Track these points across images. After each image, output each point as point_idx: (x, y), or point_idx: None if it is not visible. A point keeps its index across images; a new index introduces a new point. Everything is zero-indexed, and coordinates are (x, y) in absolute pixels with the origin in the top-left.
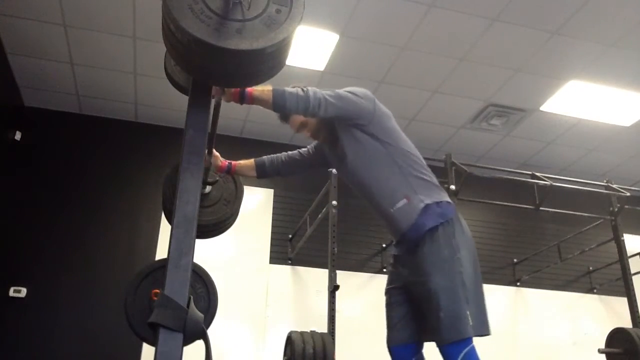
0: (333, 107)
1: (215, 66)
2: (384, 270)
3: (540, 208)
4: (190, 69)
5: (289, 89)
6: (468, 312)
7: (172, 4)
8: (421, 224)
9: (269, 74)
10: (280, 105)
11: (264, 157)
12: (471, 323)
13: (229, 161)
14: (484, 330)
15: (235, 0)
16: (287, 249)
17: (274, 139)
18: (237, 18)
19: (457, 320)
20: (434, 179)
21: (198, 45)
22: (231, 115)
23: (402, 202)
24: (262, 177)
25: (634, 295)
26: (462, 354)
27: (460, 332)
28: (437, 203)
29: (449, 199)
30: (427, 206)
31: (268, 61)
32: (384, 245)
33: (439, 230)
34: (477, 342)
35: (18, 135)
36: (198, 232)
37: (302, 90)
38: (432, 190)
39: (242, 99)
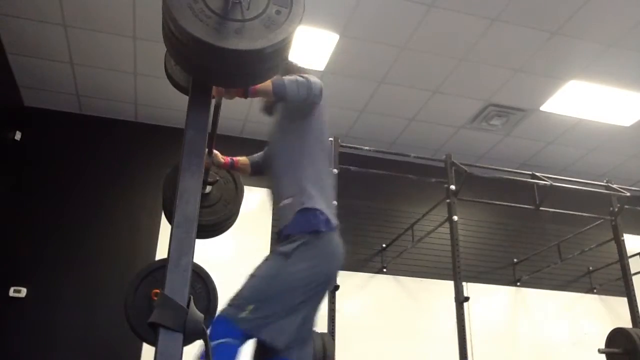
0: (319, 96)
1: (214, 66)
2: (384, 270)
3: (540, 208)
4: (190, 69)
5: (288, 77)
6: (251, 307)
7: (171, 3)
8: (292, 225)
9: (268, 74)
10: (281, 94)
11: (255, 155)
12: (246, 316)
13: (231, 157)
14: (286, 352)
15: (235, 0)
16: None
17: None
18: (236, 18)
19: (236, 302)
20: (330, 192)
21: (197, 44)
22: (231, 115)
23: (288, 201)
24: (256, 174)
25: (634, 295)
26: (219, 340)
27: (229, 314)
28: (315, 212)
29: (330, 216)
30: (304, 210)
31: (267, 61)
32: (384, 245)
33: (304, 238)
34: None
35: (18, 135)
36: (198, 232)
37: (301, 77)
38: (318, 200)
39: (246, 92)
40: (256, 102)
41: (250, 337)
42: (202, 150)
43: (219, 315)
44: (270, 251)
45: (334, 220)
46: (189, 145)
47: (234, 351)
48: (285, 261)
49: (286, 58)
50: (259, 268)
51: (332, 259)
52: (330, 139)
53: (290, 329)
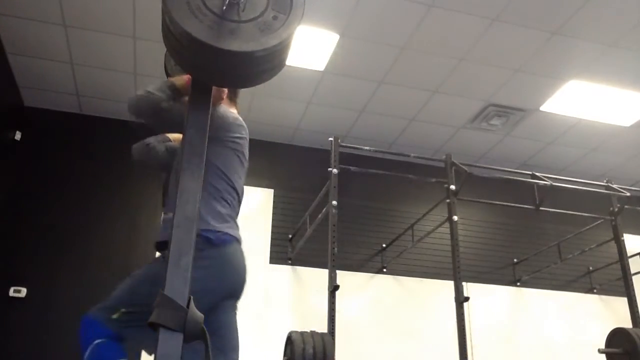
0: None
1: (209, 65)
2: (384, 270)
3: (540, 208)
4: (185, 67)
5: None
6: (122, 310)
7: None
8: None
9: (264, 77)
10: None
11: None
12: (114, 317)
13: None
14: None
15: (233, 0)
16: (287, 249)
17: (275, 139)
18: (232, 19)
19: (108, 305)
20: (229, 207)
21: (191, 42)
22: None
23: (167, 216)
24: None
25: (634, 295)
26: (92, 342)
27: (98, 311)
28: (208, 232)
29: (234, 234)
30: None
31: (261, 64)
32: (384, 245)
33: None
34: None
35: (18, 135)
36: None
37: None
38: (215, 219)
39: None
40: (256, 102)
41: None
42: (202, 150)
43: (89, 320)
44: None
45: (231, 232)
46: (189, 145)
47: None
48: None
49: (283, 62)
50: (140, 270)
51: (219, 273)
52: (330, 138)
53: None
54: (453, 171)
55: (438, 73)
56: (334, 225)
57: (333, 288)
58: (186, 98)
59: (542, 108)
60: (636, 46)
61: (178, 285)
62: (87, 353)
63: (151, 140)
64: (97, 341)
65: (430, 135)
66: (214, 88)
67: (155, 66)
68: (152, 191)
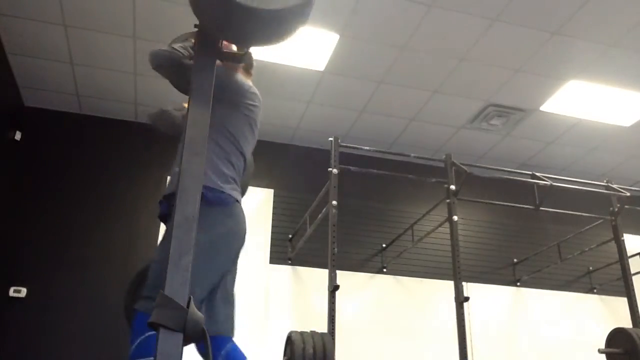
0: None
1: (235, 23)
2: (384, 270)
3: (540, 208)
4: (207, 24)
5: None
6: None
7: None
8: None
9: (285, 35)
10: None
11: None
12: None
13: None
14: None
15: None
16: (287, 249)
17: (275, 139)
18: None
19: (147, 292)
20: (233, 170)
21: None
22: None
23: (176, 169)
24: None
25: (634, 295)
26: (141, 331)
27: (145, 302)
28: (212, 189)
29: (236, 196)
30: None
31: (284, 23)
32: (383, 245)
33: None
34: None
35: (18, 135)
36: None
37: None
38: (213, 175)
39: None
40: None
41: None
42: (202, 150)
43: (137, 312)
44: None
45: (232, 194)
46: (189, 145)
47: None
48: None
49: (305, 20)
50: (157, 252)
51: (227, 231)
52: (330, 138)
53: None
54: (453, 171)
55: (438, 73)
56: (334, 225)
57: (333, 288)
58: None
59: (542, 108)
60: (636, 46)
61: (178, 285)
62: (134, 345)
63: (168, 107)
64: (148, 333)
65: (430, 135)
66: (234, 53)
67: None
68: (152, 191)
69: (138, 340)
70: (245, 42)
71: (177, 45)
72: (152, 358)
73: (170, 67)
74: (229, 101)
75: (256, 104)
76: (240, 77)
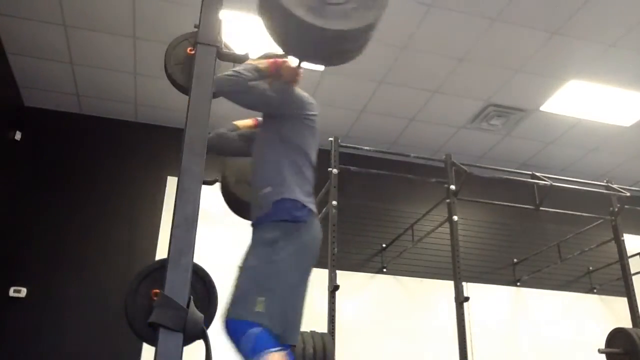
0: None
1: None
2: (384, 270)
3: (540, 208)
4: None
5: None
6: (260, 299)
7: None
8: (270, 214)
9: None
10: (217, 91)
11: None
12: (259, 310)
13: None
14: (285, 337)
15: None
16: None
17: None
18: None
19: (243, 300)
20: (308, 182)
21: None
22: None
23: (267, 190)
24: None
25: (634, 295)
26: (244, 335)
27: (241, 313)
28: (294, 201)
29: (311, 207)
30: (282, 200)
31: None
32: (383, 245)
33: (279, 225)
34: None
35: (18, 135)
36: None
37: (234, 71)
38: (298, 189)
39: None
40: None
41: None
42: (202, 150)
43: (230, 319)
44: (252, 242)
45: (313, 208)
46: (189, 145)
47: (258, 338)
48: (271, 249)
49: (368, 40)
50: (246, 260)
51: (312, 245)
52: (330, 138)
53: (289, 316)
54: (453, 171)
55: (438, 73)
56: (334, 225)
57: (333, 288)
58: (269, 79)
59: (542, 108)
60: (636, 46)
61: (178, 285)
62: (245, 344)
63: (222, 129)
64: (250, 331)
65: (430, 135)
66: (292, 69)
67: (155, 66)
68: (152, 191)
69: (244, 343)
70: (320, 61)
71: (240, 69)
72: (271, 348)
73: (238, 89)
74: (294, 116)
75: (316, 112)
76: (298, 90)
